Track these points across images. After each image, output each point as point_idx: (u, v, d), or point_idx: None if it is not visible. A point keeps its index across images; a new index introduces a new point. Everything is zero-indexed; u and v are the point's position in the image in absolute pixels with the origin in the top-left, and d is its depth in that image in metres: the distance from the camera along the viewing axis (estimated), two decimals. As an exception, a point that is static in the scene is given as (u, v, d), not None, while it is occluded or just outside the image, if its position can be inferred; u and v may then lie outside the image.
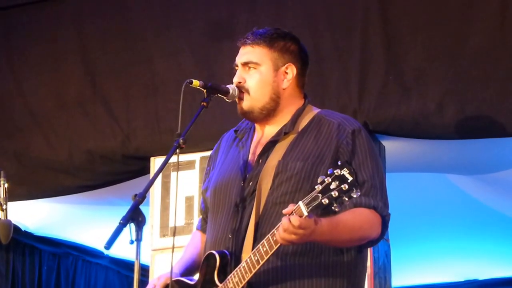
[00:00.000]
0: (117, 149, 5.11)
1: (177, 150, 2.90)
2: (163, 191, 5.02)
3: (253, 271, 2.80)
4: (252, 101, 3.04)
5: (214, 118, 4.65)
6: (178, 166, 3.30)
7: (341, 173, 2.59)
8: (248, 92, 3.04)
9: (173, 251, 2.98)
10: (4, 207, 3.82)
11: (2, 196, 3.84)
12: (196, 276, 3.08)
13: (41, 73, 5.36)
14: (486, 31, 4.32)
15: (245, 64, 3.07)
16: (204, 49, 4.95)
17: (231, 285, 2.87)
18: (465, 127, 4.31)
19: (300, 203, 2.65)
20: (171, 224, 4.90)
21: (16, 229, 6.03)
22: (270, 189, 2.93)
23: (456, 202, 5.95)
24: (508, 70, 4.25)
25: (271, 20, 4.69)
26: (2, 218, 3.80)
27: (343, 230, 2.82)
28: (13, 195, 4.09)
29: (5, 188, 3.87)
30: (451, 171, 5.41)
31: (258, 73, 3.05)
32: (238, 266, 2.86)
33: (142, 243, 2.72)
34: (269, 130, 3.08)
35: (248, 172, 3.03)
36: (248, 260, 2.82)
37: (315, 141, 2.99)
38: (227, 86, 3.07)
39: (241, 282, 2.84)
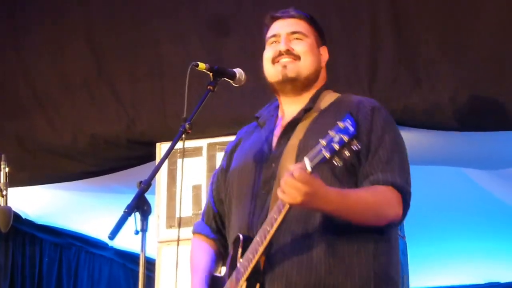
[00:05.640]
0: (122, 134, 5.16)
1: (183, 136, 2.95)
2: (169, 179, 5.02)
3: (264, 243, 2.80)
4: (300, 67, 3.14)
5: (221, 103, 4.71)
6: (184, 152, 3.36)
7: (344, 125, 2.59)
8: (298, 57, 3.14)
9: (178, 244, 3.05)
10: (4, 193, 3.88)
11: (2, 181, 3.91)
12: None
13: (47, 54, 5.42)
14: (497, 23, 4.36)
15: (293, 33, 3.18)
16: (211, 33, 5.00)
17: (247, 263, 2.88)
18: (479, 119, 4.36)
19: (305, 158, 2.66)
20: (178, 214, 4.88)
21: (16, 216, 6.07)
22: None
23: (476, 199, 5.93)
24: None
25: (278, 4, 4.72)
26: (2, 205, 3.86)
27: (354, 203, 2.82)
28: (14, 180, 4.09)
29: (6, 172, 3.93)
30: (468, 165, 5.41)
31: (306, 42, 3.18)
32: (252, 241, 2.87)
33: (148, 234, 2.71)
34: (293, 111, 3.16)
35: (270, 153, 3.09)
36: (260, 232, 2.83)
37: (335, 118, 2.97)
38: (234, 69, 3.18)
39: (253, 257, 2.85)
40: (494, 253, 6.75)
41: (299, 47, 3.15)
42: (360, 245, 2.91)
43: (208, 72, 3.14)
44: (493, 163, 5.27)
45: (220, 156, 4.88)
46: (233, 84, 3.21)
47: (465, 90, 4.37)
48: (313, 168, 2.63)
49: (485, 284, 7.25)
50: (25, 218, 6.55)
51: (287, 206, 2.71)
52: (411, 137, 4.68)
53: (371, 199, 2.86)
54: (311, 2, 4.67)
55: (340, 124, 2.59)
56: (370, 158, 2.92)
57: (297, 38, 3.17)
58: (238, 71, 3.19)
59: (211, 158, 4.96)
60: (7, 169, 3.97)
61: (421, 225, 5.72)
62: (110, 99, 5.20)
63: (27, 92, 5.41)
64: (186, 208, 4.95)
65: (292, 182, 2.64)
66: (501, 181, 5.58)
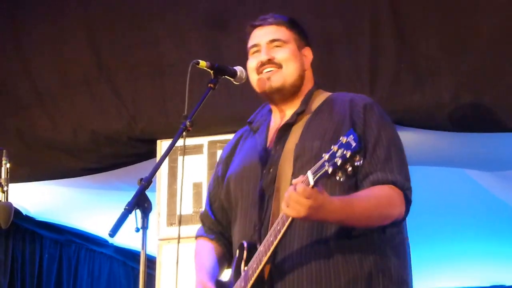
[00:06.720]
0: (122, 131, 5.19)
1: (184, 133, 3.00)
2: (170, 177, 5.04)
3: (268, 253, 2.83)
4: (284, 76, 3.16)
5: (222, 101, 4.75)
6: (185, 150, 3.39)
7: (347, 140, 2.59)
8: (280, 66, 3.17)
9: (178, 242, 3.09)
10: (5, 188, 3.92)
11: (3, 176, 3.95)
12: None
13: (47, 52, 5.46)
14: (497, 23, 4.39)
15: (272, 41, 3.21)
16: (211, 31, 5.02)
17: (251, 272, 2.91)
18: (481, 120, 4.38)
19: (309, 172, 2.68)
20: (179, 212, 4.92)
21: (17, 212, 6.06)
22: (292, 175, 2.99)
23: (479, 200, 5.92)
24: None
25: (279, 3, 4.79)
26: (3, 200, 3.90)
27: (358, 208, 2.83)
28: (14, 176, 4.15)
29: (7, 168, 3.97)
30: (470, 166, 5.41)
31: (287, 48, 3.21)
32: (257, 251, 2.91)
33: (148, 232, 2.73)
34: (286, 116, 3.20)
35: (268, 158, 3.12)
36: (265, 242, 2.86)
37: (330, 118, 3.09)
38: (235, 67, 3.23)
39: (258, 267, 2.88)
40: (499, 256, 6.74)
41: (280, 54, 3.18)
42: (368, 248, 2.93)
43: (209, 70, 3.18)
44: (496, 164, 5.26)
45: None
46: (234, 82, 3.25)
47: (465, 91, 4.40)
48: (315, 182, 2.66)
49: (490, 286, 7.24)
50: (26, 215, 6.56)
51: (290, 219, 2.74)
52: (412, 138, 4.70)
53: (374, 202, 2.88)
54: (311, 4, 4.72)
55: (343, 139, 2.61)
56: (369, 157, 2.94)
57: (277, 46, 3.19)
58: (239, 69, 3.24)
59: (212, 156, 4.98)
60: (8, 165, 4.01)
61: (424, 226, 5.71)
62: (111, 96, 5.24)
63: (28, 88, 5.43)
64: (187, 206, 4.98)
65: (296, 197, 2.67)
66: (504, 182, 5.57)
